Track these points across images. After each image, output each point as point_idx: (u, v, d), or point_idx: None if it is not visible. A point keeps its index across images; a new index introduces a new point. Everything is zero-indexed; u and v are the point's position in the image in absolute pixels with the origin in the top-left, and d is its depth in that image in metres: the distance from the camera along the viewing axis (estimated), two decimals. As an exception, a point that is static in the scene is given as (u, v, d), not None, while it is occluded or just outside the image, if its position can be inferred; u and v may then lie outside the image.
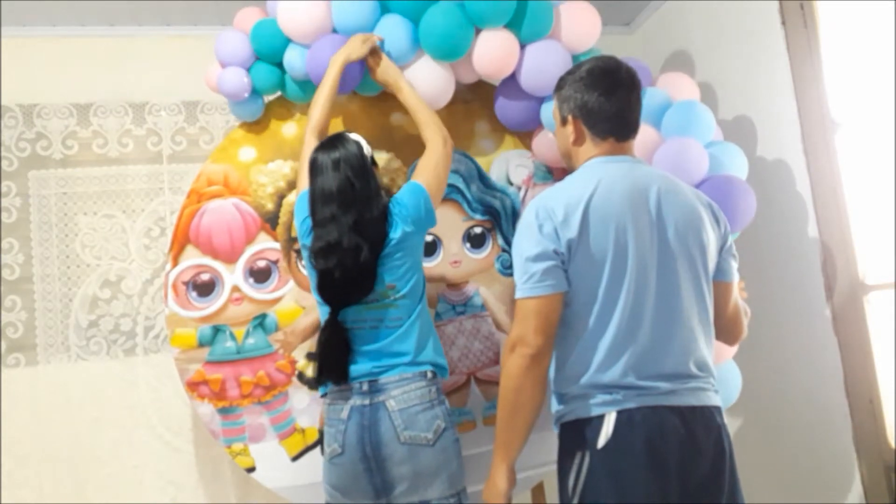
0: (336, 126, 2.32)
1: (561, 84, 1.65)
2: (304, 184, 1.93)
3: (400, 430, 1.74)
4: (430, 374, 1.81)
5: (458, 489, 1.80)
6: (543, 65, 2.09)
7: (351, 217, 1.77)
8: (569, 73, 1.65)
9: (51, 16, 2.61)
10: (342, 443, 1.79)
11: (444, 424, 1.77)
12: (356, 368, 1.81)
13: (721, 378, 1.98)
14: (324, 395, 1.89)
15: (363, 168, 1.83)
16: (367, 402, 1.77)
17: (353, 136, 1.89)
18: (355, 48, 2.02)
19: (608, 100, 1.58)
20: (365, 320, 1.82)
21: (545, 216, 1.50)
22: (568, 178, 1.60)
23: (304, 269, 2.07)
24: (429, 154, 1.95)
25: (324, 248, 1.78)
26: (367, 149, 1.89)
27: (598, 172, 1.55)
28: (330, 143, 1.87)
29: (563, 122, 1.65)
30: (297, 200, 1.96)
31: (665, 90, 2.17)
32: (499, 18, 2.06)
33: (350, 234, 1.76)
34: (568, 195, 1.52)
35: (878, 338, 2.06)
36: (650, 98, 2.10)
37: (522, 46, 2.13)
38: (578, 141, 1.63)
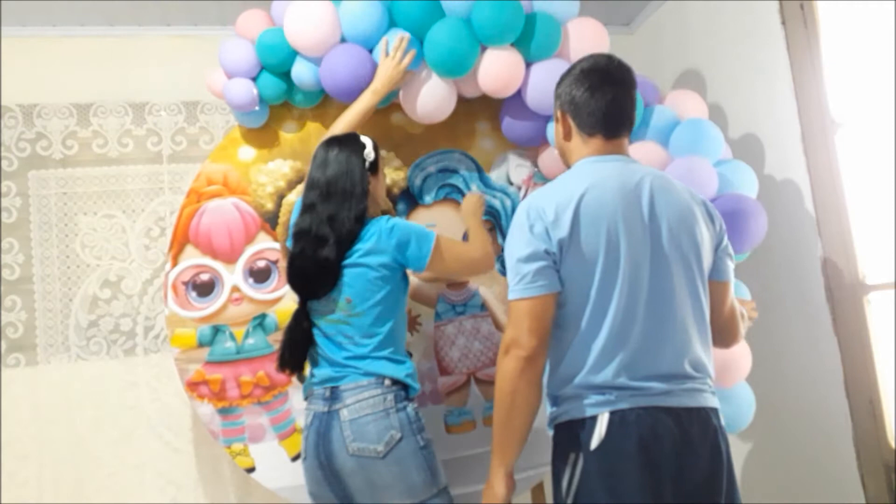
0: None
1: (559, 81, 1.66)
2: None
3: (348, 441, 1.71)
4: (388, 382, 1.75)
5: (422, 499, 1.72)
6: (550, 84, 2.06)
7: (328, 209, 1.79)
8: (567, 70, 1.66)
9: (51, 16, 2.61)
10: (304, 448, 1.80)
11: (399, 434, 1.71)
12: (320, 373, 1.81)
13: (734, 400, 1.97)
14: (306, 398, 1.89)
15: (354, 167, 1.83)
16: (325, 409, 1.76)
17: (363, 138, 1.90)
18: (395, 74, 2.03)
19: (593, 95, 1.57)
20: (328, 333, 1.81)
21: (536, 216, 1.49)
22: (559, 178, 1.59)
23: None
24: (469, 245, 1.95)
25: (297, 233, 1.82)
26: (369, 153, 1.87)
27: (590, 171, 1.54)
28: (335, 139, 1.89)
29: (556, 118, 1.66)
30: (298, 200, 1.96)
31: (672, 108, 2.17)
32: (505, 37, 2.04)
33: (321, 225, 1.78)
34: (559, 195, 1.51)
35: (878, 338, 2.06)
36: (658, 116, 2.10)
37: (528, 64, 2.11)
38: (567, 136, 1.63)
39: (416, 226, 1.85)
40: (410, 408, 1.77)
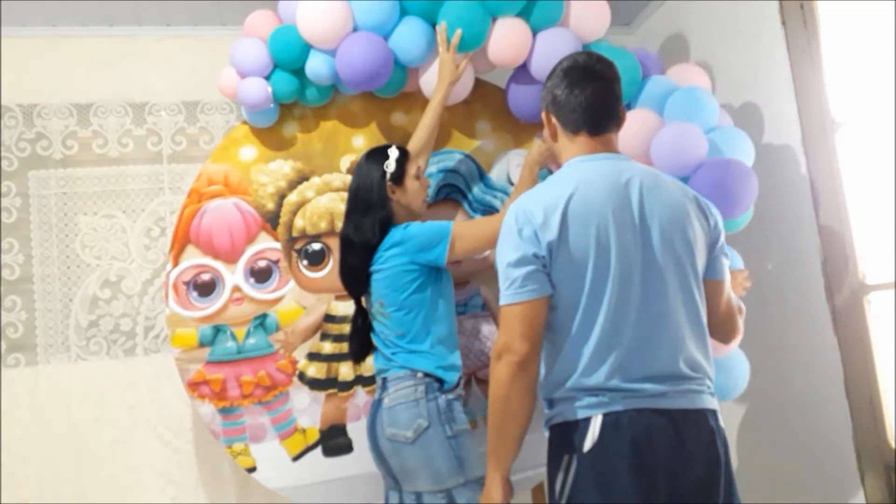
0: (337, 124, 2.34)
1: (543, 84, 1.65)
2: None
3: (385, 426, 1.86)
4: (420, 374, 1.87)
5: (447, 486, 1.82)
6: (554, 51, 2.10)
7: (356, 217, 1.94)
8: (550, 71, 1.64)
9: (51, 16, 2.61)
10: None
11: (426, 423, 1.82)
12: (376, 366, 1.96)
13: (728, 368, 1.97)
14: None
15: (373, 178, 1.94)
16: (377, 397, 1.91)
17: (390, 150, 1.98)
18: (453, 70, 2.11)
19: (572, 91, 1.55)
20: (377, 331, 1.96)
21: (524, 220, 1.47)
22: (548, 179, 1.58)
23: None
24: (493, 217, 1.92)
25: (339, 239, 2.00)
26: (389, 164, 1.95)
27: (579, 172, 1.53)
28: (368, 151, 2.02)
29: (543, 120, 1.64)
30: None
31: (673, 79, 2.20)
32: (513, 6, 2.11)
33: (352, 231, 1.94)
34: (547, 197, 1.49)
35: (878, 338, 2.06)
36: (654, 85, 2.14)
37: (533, 34, 2.16)
38: (554, 136, 1.61)
39: (430, 224, 1.89)
40: (442, 399, 1.87)
